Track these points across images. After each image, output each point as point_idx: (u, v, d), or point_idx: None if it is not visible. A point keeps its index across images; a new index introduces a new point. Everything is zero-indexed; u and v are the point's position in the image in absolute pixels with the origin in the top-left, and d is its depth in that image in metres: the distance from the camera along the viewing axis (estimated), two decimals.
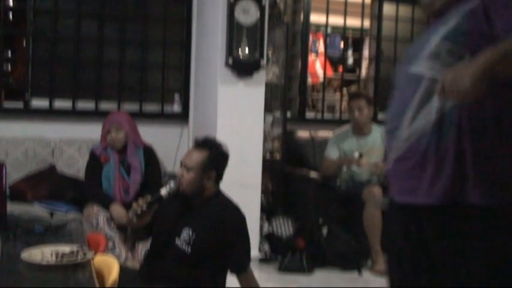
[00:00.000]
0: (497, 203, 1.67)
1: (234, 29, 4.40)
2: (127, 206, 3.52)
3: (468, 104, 1.63)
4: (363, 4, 5.77)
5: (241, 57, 4.42)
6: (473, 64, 1.55)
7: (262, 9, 4.47)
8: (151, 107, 5.07)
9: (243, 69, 4.44)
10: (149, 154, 4.09)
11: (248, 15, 4.44)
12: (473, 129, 1.67)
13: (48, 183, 4.19)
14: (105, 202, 3.83)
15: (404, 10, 5.95)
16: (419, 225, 1.80)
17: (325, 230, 4.55)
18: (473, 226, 1.69)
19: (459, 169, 1.67)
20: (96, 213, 3.77)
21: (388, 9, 5.91)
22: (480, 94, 1.54)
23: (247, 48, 4.43)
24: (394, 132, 1.83)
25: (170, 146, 4.86)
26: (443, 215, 1.73)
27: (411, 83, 1.78)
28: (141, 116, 4.87)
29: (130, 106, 4.94)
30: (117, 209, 3.78)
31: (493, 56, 1.54)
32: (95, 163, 3.98)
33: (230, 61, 4.38)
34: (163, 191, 2.59)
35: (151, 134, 4.41)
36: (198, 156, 2.66)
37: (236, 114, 4.44)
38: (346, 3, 5.68)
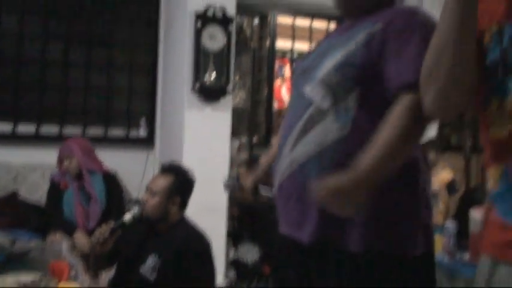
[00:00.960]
0: (374, 249, 1.54)
1: (200, 54, 4.42)
2: (90, 233, 3.47)
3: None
4: (327, 30, 5.86)
5: (207, 82, 4.43)
6: (354, 180, 1.40)
7: (228, 35, 4.51)
8: (116, 132, 5.03)
9: (209, 94, 4.46)
10: (110, 180, 4.02)
11: (215, 41, 4.47)
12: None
13: (10, 210, 4.10)
14: (68, 230, 3.76)
15: None
16: (302, 260, 1.67)
17: None
18: (349, 273, 1.56)
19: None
20: (59, 241, 3.70)
21: None
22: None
23: (214, 74, 4.45)
24: (281, 152, 1.69)
25: (136, 171, 4.82)
26: (319, 256, 1.61)
27: (302, 102, 1.65)
28: (106, 140, 4.83)
29: (96, 131, 4.90)
30: (80, 237, 3.72)
31: (375, 166, 1.41)
32: (55, 190, 3.91)
33: (197, 86, 4.40)
34: (127, 217, 2.57)
35: (116, 159, 4.38)
36: (163, 182, 2.65)
37: (202, 140, 4.44)
38: (311, 29, 5.76)
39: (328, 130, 1.55)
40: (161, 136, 5.02)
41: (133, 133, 5.06)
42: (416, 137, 1.48)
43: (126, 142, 5.03)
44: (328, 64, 1.60)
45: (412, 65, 1.46)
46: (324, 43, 1.78)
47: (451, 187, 4.68)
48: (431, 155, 4.70)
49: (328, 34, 1.91)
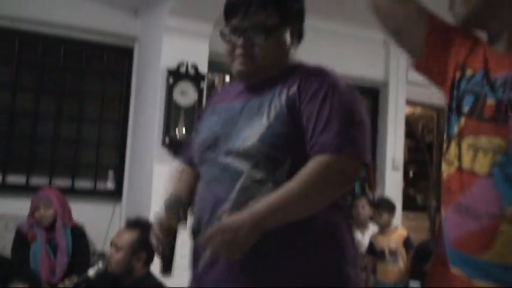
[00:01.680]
0: None
1: (171, 109, 4.48)
2: (54, 286, 3.42)
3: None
4: None
5: (178, 137, 4.48)
6: (241, 221, 1.41)
7: (200, 91, 4.59)
8: (84, 184, 5.00)
9: (179, 149, 4.48)
10: (78, 234, 3.98)
11: (186, 96, 4.54)
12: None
13: None
14: (32, 282, 3.68)
15: None
16: None
17: None
18: None
19: None
20: None
21: None
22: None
23: (184, 129, 4.50)
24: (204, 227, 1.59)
25: (102, 224, 4.76)
26: None
27: (226, 174, 1.57)
28: (73, 192, 4.79)
29: (63, 182, 4.87)
30: None
31: (267, 213, 1.43)
32: (21, 241, 3.85)
33: (167, 140, 4.43)
34: (91, 272, 2.56)
35: (83, 211, 4.34)
36: (128, 236, 2.65)
37: None
38: None
39: None
40: (129, 189, 5.00)
41: (100, 185, 5.04)
42: (322, 195, 1.49)
43: (94, 194, 4.99)
44: (249, 135, 1.54)
45: (331, 131, 1.49)
46: (224, 109, 1.69)
47: (407, 243, 4.71)
48: (385, 216, 4.74)
49: (219, 99, 1.80)
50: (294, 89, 1.56)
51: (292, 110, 1.54)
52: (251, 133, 1.54)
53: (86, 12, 4.84)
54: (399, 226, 5.04)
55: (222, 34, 1.65)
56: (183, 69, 4.53)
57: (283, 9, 1.61)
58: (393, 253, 4.63)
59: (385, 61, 5.90)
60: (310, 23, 6.10)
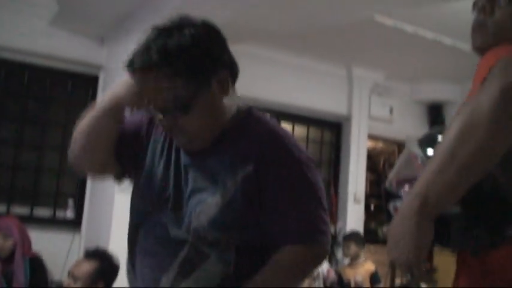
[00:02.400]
0: None
1: None
2: None
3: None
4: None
5: None
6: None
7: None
8: (43, 212, 4.92)
9: None
10: (36, 265, 3.89)
11: None
12: None
13: None
14: None
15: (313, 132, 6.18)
16: None
17: None
18: None
19: None
20: None
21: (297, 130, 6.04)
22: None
23: None
24: None
25: (60, 252, 4.68)
26: None
27: (168, 244, 1.47)
28: (31, 220, 4.71)
29: (22, 209, 4.78)
30: None
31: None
32: None
33: None
34: None
35: (41, 239, 4.26)
36: (86, 267, 2.62)
37: None
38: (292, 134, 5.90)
39: (213, 271, 1.44)
40: (89, 218, 4.94)
41: (60, 214, 4.96)
42: (297, 283, 1.56)
43: (53, 223, 4.92)
44: (200, 211, 1.44)
45: (299, 218, 1.45)
46: (173, 168, 1.52)
47: (374, 278, 4.79)
48: (353, 248, 4.87)
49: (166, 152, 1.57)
50: (249, 168, 1.43)
51: (249, 193, 1.43)
52: (202, 210, 1.44)
53: (51, 39, 4.82)
54: (369, 260, 5.11)
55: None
56: None
57: (195, 76, 1.40)
58: (359, 286, 4.70)
59: (348, 96, 5.99)
60: (274, 56, 6.21)
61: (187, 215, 1.45)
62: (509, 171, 1.22)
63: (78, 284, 2.57)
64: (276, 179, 1.44)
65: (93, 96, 5.11)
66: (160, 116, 1.42)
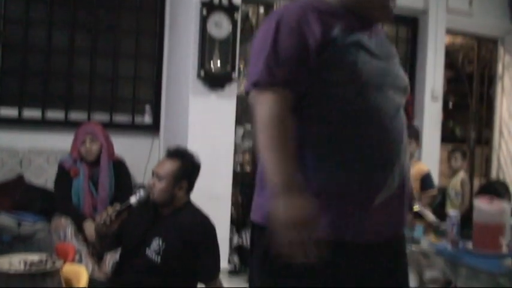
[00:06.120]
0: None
1: (206, 42, 4.42)
2: None
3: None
4: None
5: (213, 69, 4.44)
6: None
7: (234, 23, 4.51)
8: (121, 118, 5.04)
9: (214, 81, 4.46)
10: (120, 168, 4.02)
11: (220, 28, 4.47)
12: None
13: (15, 193, 4.13)
14: (75, 217, 3.75)
15: None
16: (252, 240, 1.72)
17: None
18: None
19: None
20: (64, 226, 3.71)
21: None
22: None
23: (219, 61, 4.46)
24: (392, 163, 1.61)
25: (140, 157, 4.83)
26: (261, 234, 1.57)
27: (398, 112, 1.63)
28: (111, 126, 4.83)
29: (101, 117, 4.91)
30: (90, 227, 3.64)
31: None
32: (64, 177, 3.87)
33: (202, 73, 4.40)
34: (133, 200, 2.59)
35: (121, 145, 4.38)
36: (170, 166, 2.67)
37: (207, 126, 4.45)
38: None
39: None
40: (166, 123, 5.03)
41: (138, 119, 5.07)
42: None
43: (131, 128, 5.04)
44: (403, 76, 1.72)
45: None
46: (374, 40, 1.65)
47: (425, 181, 4.54)
48: (413, 145, 4.50)
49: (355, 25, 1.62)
50: None
51: None
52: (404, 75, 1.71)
53: None
54: (421, 161, 4.87)
55: None
56: (216, 1, 4.45)
57: None
58: None
59: None
60: None
61: (401, 81, 1.72)
62: None
63: (163, 183, 2.63)
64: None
65: (162, 2, 5.07)
66: None
